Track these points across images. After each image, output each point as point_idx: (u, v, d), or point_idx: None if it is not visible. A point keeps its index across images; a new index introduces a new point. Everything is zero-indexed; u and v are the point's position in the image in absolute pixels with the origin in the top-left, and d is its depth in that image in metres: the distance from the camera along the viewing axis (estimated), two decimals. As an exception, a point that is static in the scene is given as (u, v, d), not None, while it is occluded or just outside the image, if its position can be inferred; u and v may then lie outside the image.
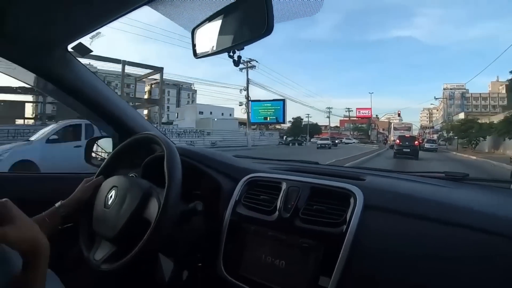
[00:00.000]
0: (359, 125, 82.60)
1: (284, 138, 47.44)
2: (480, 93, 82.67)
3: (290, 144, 42.37)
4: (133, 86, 36.70)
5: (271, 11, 0.68)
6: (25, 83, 1.28)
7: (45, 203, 0.96)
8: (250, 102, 35.72)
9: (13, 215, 0.58)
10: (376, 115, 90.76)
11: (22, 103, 27.58)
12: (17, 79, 1.23)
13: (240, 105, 36.69)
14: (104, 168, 1.12)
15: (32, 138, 8.60)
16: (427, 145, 30.97)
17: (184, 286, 1.27)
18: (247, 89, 34.12)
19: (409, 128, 42.08)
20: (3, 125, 15.53)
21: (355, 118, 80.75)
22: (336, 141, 45.91)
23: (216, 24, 0.83)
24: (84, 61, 1.22)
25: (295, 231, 0.95)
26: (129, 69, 32.81)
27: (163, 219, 0.84)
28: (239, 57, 0.84)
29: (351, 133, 80.00)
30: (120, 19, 0.89)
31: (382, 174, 1.26)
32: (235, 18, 0.80)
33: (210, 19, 0.85)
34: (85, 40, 1.14)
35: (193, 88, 71.07)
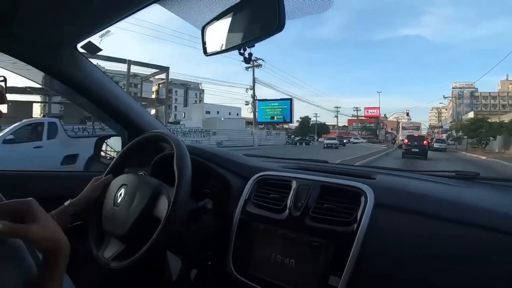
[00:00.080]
0: (367, 125, 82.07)
1: (292, 138, 47.19)
2: (489, 92, 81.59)
3: (298, 143, 42.07)
4: (140, 86, 36.91)
5: (282, 7, 0.67)
6: (35, 82, 1.29)
7: (54, 201, 0.96)
8: (257, 101, 35.68)
9: (36, 214, 0.59)
10: (385, 115, 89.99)
11: (30, 103, 27.74)
12: (27, 78, 1.24)
13: (246, 104, 36.72)
14: (113, 166, 1.12)
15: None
16: (436, 145, 30.69)
17: (192, 285, 1.27)
18: (253, 88, 34.08)
19: (417, 128, 41.85)
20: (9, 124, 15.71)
21: (363, 118, 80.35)
22: (344, 141, 45.60)
23: (227, 21, 0.83)
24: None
25: (305, 230, 0.95)
26: (137, 69, 33.05)
27: (172, 217, 0.83)
28: (250, 54, 0.83)
29: (359, 132, 79.52)
30: (130, 19, 0.89)
31: (392, 173, 1.25)
32: (246, 15, 0.80)
33: (221, 16, 0.85)
34: (95, 39, 1.14)
35: (200, 87, 71.36)
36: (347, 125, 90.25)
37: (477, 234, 0.76)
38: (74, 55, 1.14)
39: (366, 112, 77.51)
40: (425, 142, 21.04)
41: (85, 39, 1.08)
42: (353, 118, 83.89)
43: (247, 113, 40.14)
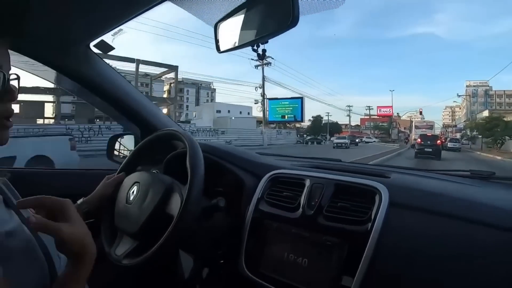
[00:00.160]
0: (380, 124, 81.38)
1: (303, 137, 46.99)
2: (504, 90, 79.91)
3: (309, 143, 41.84)
4: (152, 86, 37.33)
5: (296, 2, 0.66)
6: (48, 81, 1.31)
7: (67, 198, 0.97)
8: (267, 100, 35.62)
9: (70, 215, 0.60)
10: (398, 113, 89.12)
11: (42, 103, 28.13)
12: (40, 77, 1.26)
13: (255, 103, 36.68)
14: (126, 165, 1.13)
15: None
16: (450, 145, 30.22)
17: (204, 283, 1.27)
18: (262, 86, 34.01)
19: (431, 127, 41.13)
20: (24, 124, 15.94)
21: (376, 117, 79.66)
22: (357, 140, 45.17)
23: (240, 17, 0.82)
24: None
25: (318, 229, 0.94)
26: (148, 69, 33.30)
27: (185, 214, 0.83)
28: (264, 50, 0.82)
29: (372, 131, 78.97)
30: (143, 19, 0.90)
31: (407, 172, 1.23)
32: (259, 10, 0.79)
33: (233, 12, 0.84)
34: (107, 38, 1.15)
35: (212, 87, 71.62)
36: (359, 124, 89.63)
37: (494, 234, 0.75)
38: (87, 53, 1.15)
39: (378, 111, 76.94)
40: (438, 141, 20.73)
41: (98, 37, 1.08)
42: (365, 117, 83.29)
43: (257, 112, 40.19)
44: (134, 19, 0.95)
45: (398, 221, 0.86)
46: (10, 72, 0.63)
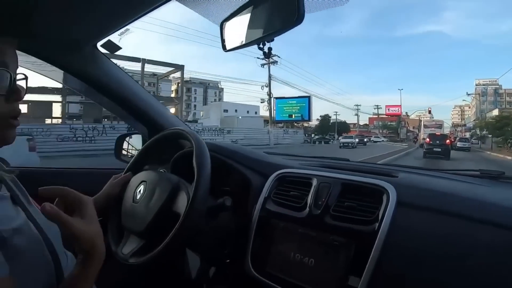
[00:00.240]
0: (389, 123, 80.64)
1: (311, 137, 46.68)
2: (514, 89, 78.70)
3: (317, 142, 41.52)
4: (159, 85, 37.55)
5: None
6: (55, 81, 1.32)
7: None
8: (274, 99, 35.48)
9: (86, 213, 0.61)
10: (406, 113, 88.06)
11: (50, 103, 28.33)
12: (48, 77, 1.27)
13: (262, 102, 36.58)
14: (133, 164, 1.13)
15: None
16: (459, 144, 29.88)
17: (211, 283, 1.27)
18: (269, 85, 33.84)
19: (440, 126, 40.73)
20: (32, 124, 16.03)
21: (384, 116, 78.98)
22: (365, 139, 44.72)
23: (245, 15, 0.82)
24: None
25: (325, 228, 0.93)
26: (155, 69, 33.46)
27: (191, 212, 0.83)
28: (270, 48, 0.82)
29: (380, 131, 78.30)
30: (151, 20, 0.90)
31: (415, 171, 1.21)
32: (264, 8, 0.78)
33: (239, 11, 0.83)
34: (114, 37, 1.15)
35: (219, 86, 71.75)
36: (368, 123, 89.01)
37: (503, 235, 0.73)
38: (94, 53, 1.16)
39: (387, 110, 76.15)
40: (447, 141, 20.47)
41: (105, 37, 1.09)
42: (374, 116, 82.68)
43: (264, 111, 40.08)
44: (142, 19, 0.95)
45: (406, 221, 0.85)
46: (18, 72, 0.64)
